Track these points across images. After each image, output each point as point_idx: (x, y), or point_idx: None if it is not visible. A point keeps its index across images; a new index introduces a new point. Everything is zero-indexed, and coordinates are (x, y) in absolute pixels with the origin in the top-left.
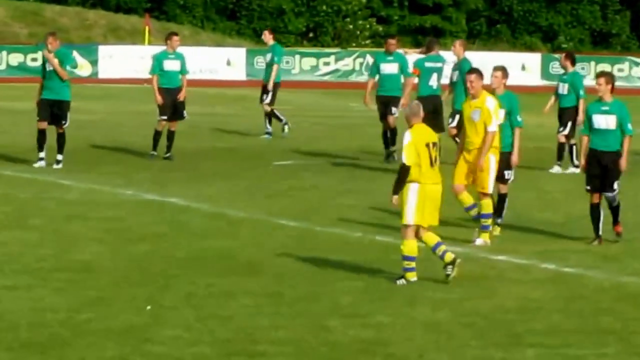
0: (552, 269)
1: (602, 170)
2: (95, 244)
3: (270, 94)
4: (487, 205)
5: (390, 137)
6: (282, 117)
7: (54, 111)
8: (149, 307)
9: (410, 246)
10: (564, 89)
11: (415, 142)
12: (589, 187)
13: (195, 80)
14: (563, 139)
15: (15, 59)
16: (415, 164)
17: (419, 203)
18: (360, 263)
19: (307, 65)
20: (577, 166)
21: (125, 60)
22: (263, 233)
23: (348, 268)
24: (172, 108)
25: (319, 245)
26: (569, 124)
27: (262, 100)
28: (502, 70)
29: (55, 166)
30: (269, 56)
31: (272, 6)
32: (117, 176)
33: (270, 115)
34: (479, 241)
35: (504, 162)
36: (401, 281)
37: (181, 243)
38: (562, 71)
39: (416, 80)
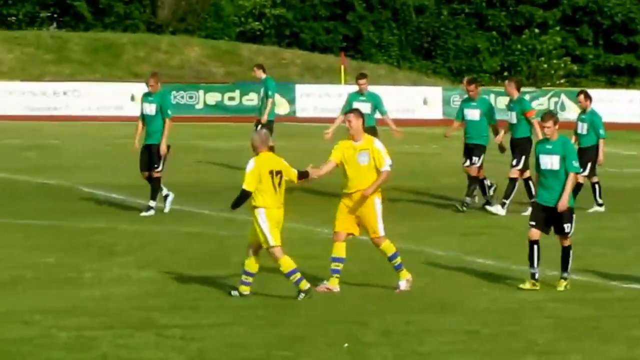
0: None
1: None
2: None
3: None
4: (389, 247)
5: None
6: None
7: (147, 156)
8: (346, 345)
9: (287, 262)
10: (583, 128)
11: (260, 169)
12: None
13: (392, 120)
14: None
15: (213, 98)
16: (260, 190)
17: (271, 225)
18: (552, 301)
19: (502, 104)
20: (600, 205)
21: (322, 99)
22: (457, 271)
23: (540, 305)
24: None
25: (513, 283)
26: (589, 164)
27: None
28: (553, 118)
29: (144, 213)
30: (262, 90)
31: (467, 45)
32: (313, 213)
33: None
34: (402, 284)
35: (566, 217)
36: (301, 296)
37: (377, 280)
38: None
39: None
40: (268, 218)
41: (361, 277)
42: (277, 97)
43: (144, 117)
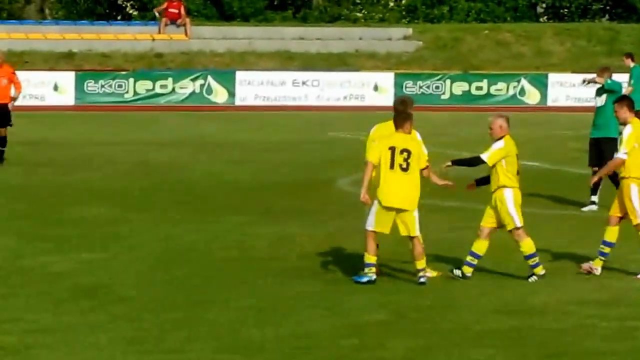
0: None
1: None
2: None
3: None
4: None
5: None
6: None
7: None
8: None
9: (529, 244)
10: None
11: (507, 150)
12: None
13: None
14: None
15: None
16: (506, 171)
17: (516, 206)
18: None
19: None
20: None
21: None
22: None
23: None
24: None
25: None
26: None
27: None
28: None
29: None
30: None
31: None
32: None
33: None
34: None
35: None
36: (532, 278)
37: None
38: None
39: None
40: (514, 198)
41: None
42: None
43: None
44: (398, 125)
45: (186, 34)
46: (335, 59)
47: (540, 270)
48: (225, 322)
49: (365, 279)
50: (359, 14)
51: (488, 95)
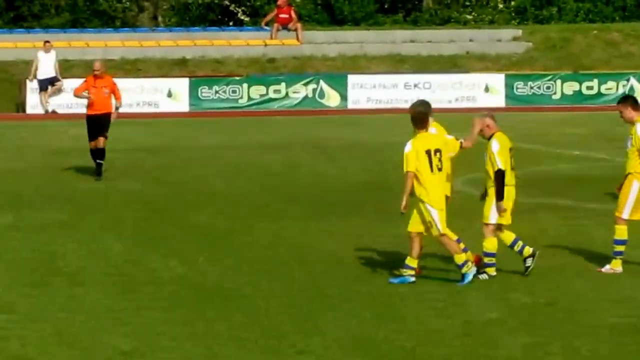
0: None
1: None
2: None
3: None
4: (619, 232)
5: None
6: None
7: None
8: None
9: (492, 243)
10: None
11: (503, 147)
12: None
13: None
14: None
15: None
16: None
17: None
18: None
19: None
20: None
21: None
22: None
23: None
24: None
25: None
26: None
27: None
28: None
29: None
30: None
31: None
32: None
33: None
34: (606, 268)
35: None
36: (483, 276)
37: None
38: None
39: None
40: (505, 196)
41: None
42: None
43: None
44: (422, 126)
45: (298, 39)
46: (446, 61)
47: (492, 271)
48: (343, 321)
49: (469, 277)
50: (468, 16)
51: (599, 94)
